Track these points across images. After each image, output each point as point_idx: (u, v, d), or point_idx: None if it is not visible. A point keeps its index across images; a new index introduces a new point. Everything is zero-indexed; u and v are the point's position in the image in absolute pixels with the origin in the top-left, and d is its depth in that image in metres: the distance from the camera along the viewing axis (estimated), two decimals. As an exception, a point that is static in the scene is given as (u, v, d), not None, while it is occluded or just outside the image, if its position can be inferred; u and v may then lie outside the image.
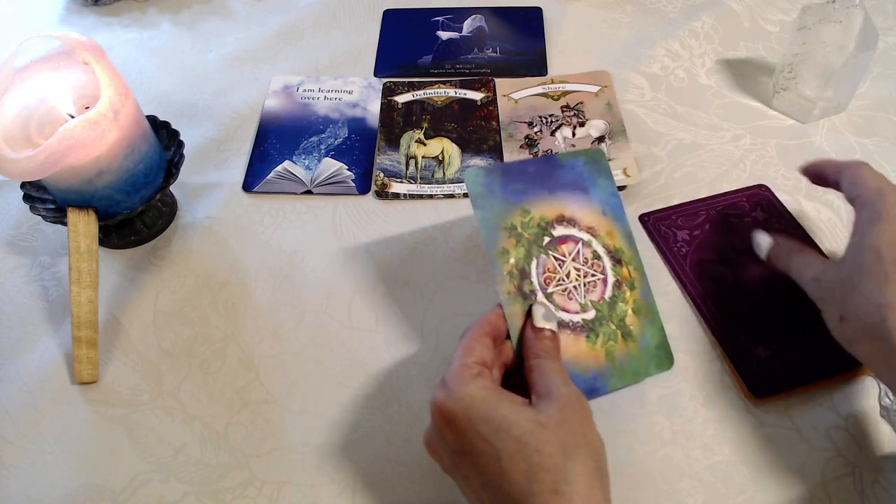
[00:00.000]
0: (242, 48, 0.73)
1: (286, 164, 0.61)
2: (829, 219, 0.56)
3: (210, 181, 0.61)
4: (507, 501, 0.32)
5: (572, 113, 0.64)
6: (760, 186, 0.58)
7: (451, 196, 0.58)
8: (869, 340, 0.38)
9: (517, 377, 0.40)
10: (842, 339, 0.40)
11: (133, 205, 0.52)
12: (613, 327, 0.43)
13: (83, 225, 0.49)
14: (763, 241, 0.48)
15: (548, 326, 0.40)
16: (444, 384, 0.36)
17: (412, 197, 0.59)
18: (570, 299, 0.42)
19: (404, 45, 0.73)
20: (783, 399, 0.46)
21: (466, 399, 0.34)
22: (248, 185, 0.60)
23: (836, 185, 0.45)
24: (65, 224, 0.49)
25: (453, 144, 0.62)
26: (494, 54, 0.71)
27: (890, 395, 0.43)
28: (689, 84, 0.67)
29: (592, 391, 0.41)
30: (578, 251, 0.43)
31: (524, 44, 0.72)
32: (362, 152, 0.62)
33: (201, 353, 0.50)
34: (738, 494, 0.42)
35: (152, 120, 0.57)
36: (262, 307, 0.52)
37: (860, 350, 0.39)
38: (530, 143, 0.62)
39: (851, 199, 0.43)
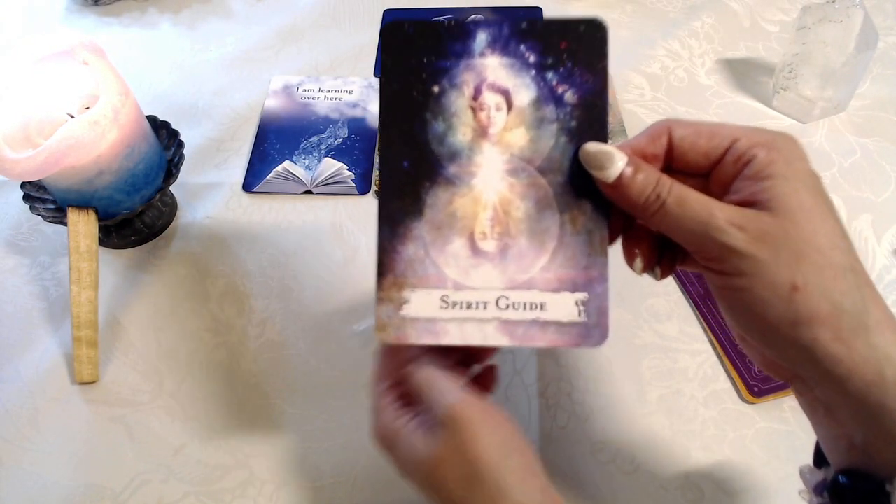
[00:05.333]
0: (242, 48, 0.73)
1: (286, 164, 0.61)
2: (829, 219, 0.55)
3: (210, 181, 0.61)
4: None
5: (572, 113, 0.64)
6: (760, 186, 0.58)
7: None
8: (836, 317, 0.26)
9: None
10: (789, 317, 0.27)
11: (133, 205, 0.52)
12: None
13: (83, 225, 0.49)
14: (606, 154, 0.30)
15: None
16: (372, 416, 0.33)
17: (412, 197, 0.58)
18: None
19: (404, 45, 0.73)
20: (783, 398, 0.46)
21: (378, 438, 0.32)
22: (248, 185, 0.60)
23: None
24: (65, 224, 0.49)
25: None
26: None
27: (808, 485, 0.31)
28: (689, 84, 0.67)
29: None
30: None
31: (524, 44, 0.72)
32: (362, 152, 0.62)
33: (201, 353, 0.50)
34: (738, 494, 0.42)
35: (152, 120, 0.57)
36: (262, 307, 0.52)
37: (815, 333, 0.26)
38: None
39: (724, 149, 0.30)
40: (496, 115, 0.31)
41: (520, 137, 0.31)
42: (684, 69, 0.69)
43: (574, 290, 0.31)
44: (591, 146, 0.30)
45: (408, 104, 0.32)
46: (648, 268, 0.32)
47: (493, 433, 0.30)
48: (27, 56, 0.49)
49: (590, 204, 0.31)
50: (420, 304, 0.31)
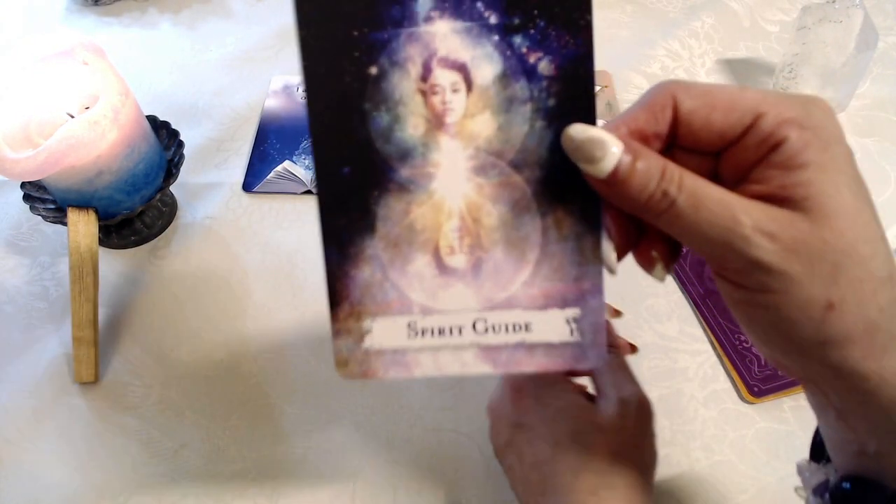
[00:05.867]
0: (242, 48, 0.73)
1: (286, 164, 0.61)
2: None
3: (210, 181, 0.61)
4: (551, 487, 0.33)
5: (572, 113, 0.64)
6: (760, 186, 0.58)
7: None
8: (870, 335, 0.23)
9: None
10: (820, 338, 0.23)
11: (133, 205, 0.52)
12: None
13: (83, 225, 0.49)
14: (595, 142, 0.24)
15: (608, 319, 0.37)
16: None
17: (412, 197, 0.58)
18: None
19: (404, 45, 0.73)
20: (783, 398, 0.46)
21: (537, 378, 0.35)
22: (248, 185, 0.60)
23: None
24: (65, 224, 0.49)
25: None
26: (494, 54, 0.71)
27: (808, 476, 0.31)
28: (689, 84, 0.67)
29: None
30: None
31: (524, 44, 0.72)
32: (362, 152, 0.62)
33: (201, 353, 0.50)
34: (738, 494, 0.42)
35: (152, 120, 0.57)
36: (262, 307, 0.52)
37: (845, 353, 0.23)
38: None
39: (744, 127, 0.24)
40: (453, 98, 0.26)
41: (485, 125, 0.26)
42: (684, 69, 0.69)
43: (564, 305, 0.27)
44: (576, 131, 0.24)
45: (340, 93, 0.25)
46: (670, 270, 0.27)
47: (654, 434, 0.34)
48: (27, 56, 0.49)
49: (578, 202, 0.26)
50: (384, 333, 0.27)
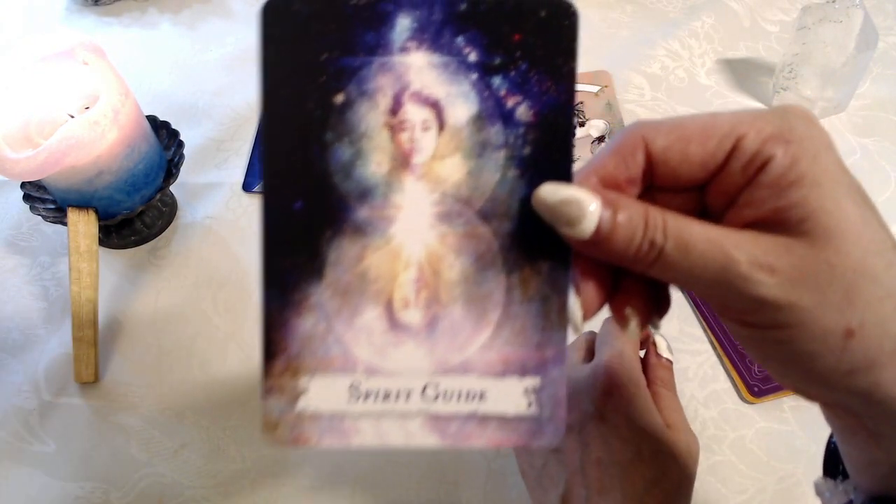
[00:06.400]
0: (242, 48, 0.73)
1: (286, 164, 0.61)
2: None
3: (210, 181, 0.61)
4: (616, 489, 0.33)
5: (572, 113, 0.64)
6: (760, 186, 0.58)
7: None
8: None
9: None
10: (843, 367, 0.21)
11: (133, 205, 0.52)
12: None
13: (83, 225, 0.49)
14: (571, 203, 0.22)
15: (668, 356, 0.40)
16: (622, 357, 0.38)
17: (412, 197, 0.58)
18: None
19: (404, 45, 0.73)
20: (783, 398, 0.46)
21: (635, 384, 0.37)
22: (248, 185, 0.60)
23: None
24: (65, 224, 0.49)
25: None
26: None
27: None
28: (689, 84, 0.67)
29: None
30: None
31: (524, 44, 0.72)
32: (362, 152, 0.62)
33: (201, 353, 0.50)
34: (738, 494, 0.42)
35: (152, 120, 0.57)
36: (262, 307, 0.52)
37: (875, 378, 0.21)
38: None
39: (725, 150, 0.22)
40: (422, 136, 0.23)
41: (455, 169, 0.23)
42: (684, 69, 0.69)
43: (523, 373, 0.24)
44: (548, 192, 0.22)
45: (301, 120, 0.23)
46: (647, 324, 0.24)
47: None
48: (27, 56, 0.49)
49: (547, 261, 0.23)
50: (322, 394, 0.24)
